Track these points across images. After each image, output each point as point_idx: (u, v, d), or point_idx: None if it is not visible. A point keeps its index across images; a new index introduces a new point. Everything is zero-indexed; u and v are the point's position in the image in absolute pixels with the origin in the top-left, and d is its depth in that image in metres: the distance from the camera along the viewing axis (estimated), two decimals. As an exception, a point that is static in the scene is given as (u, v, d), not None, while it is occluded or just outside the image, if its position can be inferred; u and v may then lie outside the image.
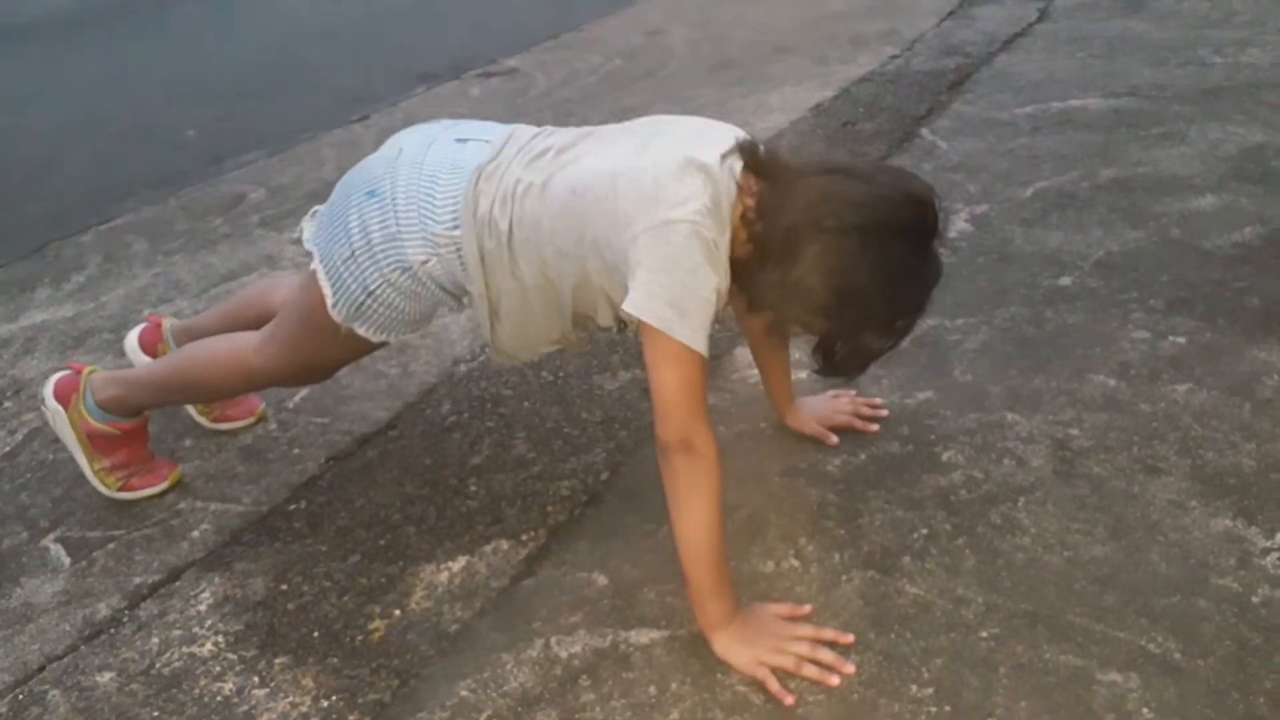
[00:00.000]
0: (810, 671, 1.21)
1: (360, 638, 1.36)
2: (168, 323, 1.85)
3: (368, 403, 1.89)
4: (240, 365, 1.55)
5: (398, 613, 1.39)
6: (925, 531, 1.42)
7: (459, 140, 1.42)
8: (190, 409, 1.84)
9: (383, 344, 1.49)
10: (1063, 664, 1.19)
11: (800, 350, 1.74)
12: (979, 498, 1.47)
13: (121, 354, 1.89)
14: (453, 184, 1.36)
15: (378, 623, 1.38)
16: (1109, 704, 1.14)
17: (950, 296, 1.97)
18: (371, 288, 1.39)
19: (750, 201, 1.21)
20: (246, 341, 1.57)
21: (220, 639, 1.39)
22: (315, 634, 1.38)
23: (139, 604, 1.47)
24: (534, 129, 1.43)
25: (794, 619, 1.28)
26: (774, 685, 1.20)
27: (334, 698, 1.27)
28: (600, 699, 1.22)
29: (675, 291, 1.18)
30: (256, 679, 1.31)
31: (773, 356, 1.61)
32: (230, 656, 1.35)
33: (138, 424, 1.67)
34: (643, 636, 1.30)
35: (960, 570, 1.34)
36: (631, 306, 1.20)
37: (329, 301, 1.41)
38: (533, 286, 1.35)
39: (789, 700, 1.18)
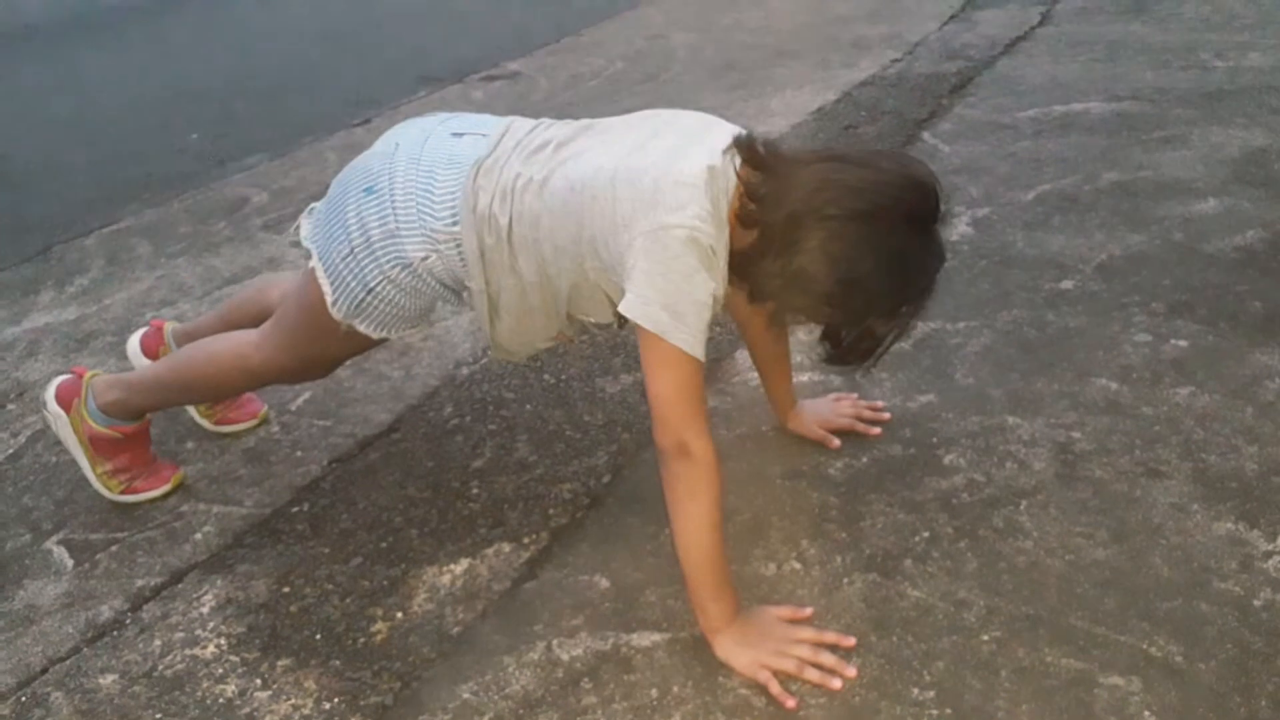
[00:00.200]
0: (812, 674, 1.21)
1: (362, 640, 1.36)
2: (169, 326, 1.85)
3: (370, 405, 1.90)
4: (240, 363, 1.55)
5: (400, 615, 1.40)
6: (927, 534, 1.42)
7: (455, 134, 1.41)
8: (192, 412, 1.85)
9: (382, 341, 1.49)
10: (1064, 667, 1.19)
11: (801, 353, 1.75)
12: (981, 501, 1.47)
13: (125, 357, 1.89)
14: (451, 179, 1.36)
15: (380, 625, 1.38)
16: (1111, 707, 1.14)
17: (952, 299, 1.97)
18: (371, 285, 1.39)
19: (749, 196, 1.21)
20: (246, 339, 1.57)
21: (223, 641, 1.39)
22: (317, 636, 1.38)
23: (141, 606, 1.47)
24: (531, 121, 1.43)
25: (795, 622, 1.28)
26: (775, 688, 1.20)
27: (336, 700, 1.27)
28: (602, 701, 1.22)
29: (671, 296, 1.18)
30: (259, 681, 1.32)
31: (773, 360, 1.61)
32: (232, 659, 1.36)
33: (140, 427, 1.68)
34: (644, 639, 1.30)
35: (962, 573, 1.35)
36: (627, 309, 1.20)
37: (329, 299, 1.41)
38: (532, 283, 1.35)
39: (790, 703, 1.18)
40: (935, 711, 1.16)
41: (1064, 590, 1.30)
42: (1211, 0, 3.80)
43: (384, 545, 1.53)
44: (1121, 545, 1.36)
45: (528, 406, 1.83)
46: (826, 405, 1.66)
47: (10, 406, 2.04)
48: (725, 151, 1.23)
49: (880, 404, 1.68)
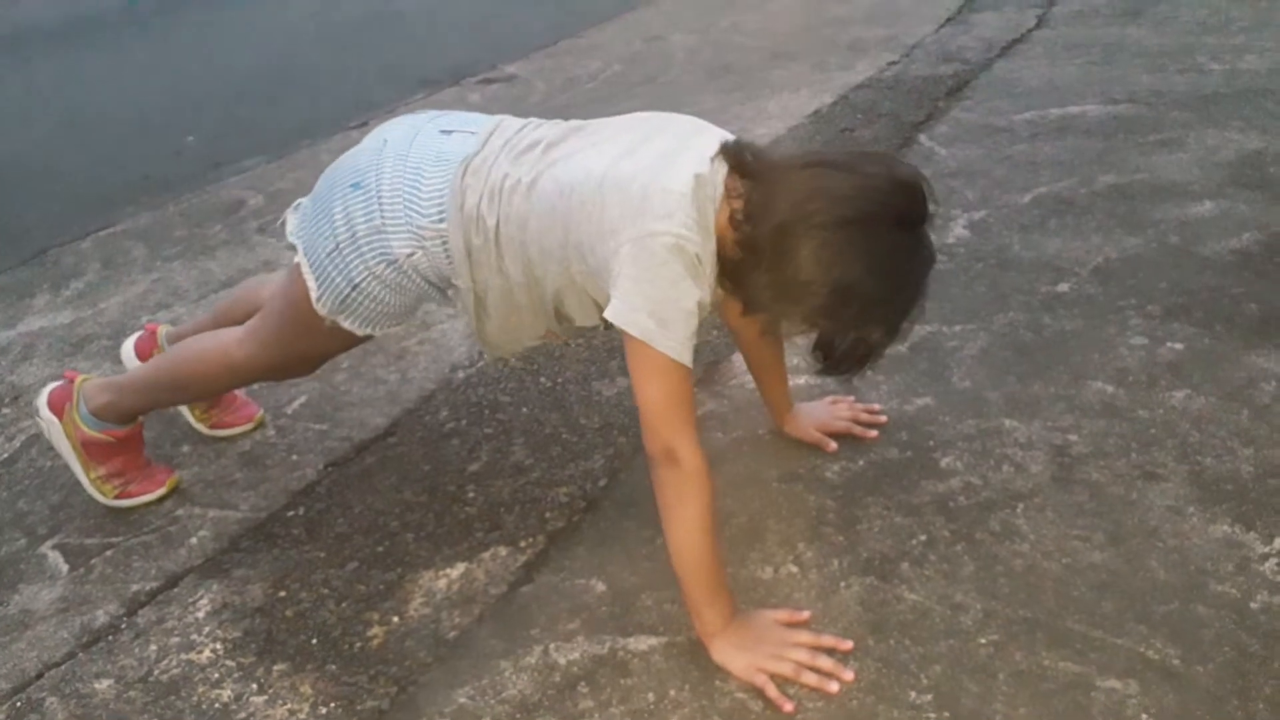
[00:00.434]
0: (809, 678, 1.21)
1: (359, 644, 1.36)
2: (163, 330, 1.85)
3: (366, 409, 1.89)
4: (225, 359, 1.55)
5: (396, 619, 1.39)
6: (924, 538, 1.42)
7: (444, 131, 1.41)
8: (188, 416, 1.84)
9: (367, 337, 1.48)
10: (1062, 671, 1.19)
11: (797, 356, 1.75)
12: (977, 504, 1.47)
13: (120, 361, 1.89)
14: (438, 176, 1.35)
15: (376, 629, 1.38)
16: (1108, 711, 1.14)
17: (948, 303, 1.97)
18: (356, 280, 1.38)
19: (737, 204, 1.21)
20: (231, 336, 1.56)
21: (218, 646, 1.38)
22: (313, 641, 1.37)
23: (137, 611, 1.47)
24: (520, 120, 1.42)
25: (792, 625, 1.28)
26: (773, 692, 1.19)
27: (332, 705, 1.27)
28: (599, 706, 1.22)
29: (657, 303, 1.18)
30: (254, 686, 1.31)
31: (769, 364, 1.61)
32: (228, 663, 1.35)
33: (132, 430, 1.67)
34: (641, 643, 1.30)
35: (959, 576, 1.34)
36: (614, 316, 1.20)
37: (313, 295, 1.41)
38: (519, 283, 1.35)
39: (788, 707, 1.18)
40: (933, 715, 1.16)
41: (1061, 593, 1.30)
42: (1208, 3, 3.81)
43: (380, 549, 1.53)
44: (1118, 548, 1.36)
45: (524, 410, 1.83)
46: (823, 408, 1.66)
47: (5, 411, 2.03)
48: (713, 159, 1.23)
49: (877, 407, 1.68)
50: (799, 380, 1.76)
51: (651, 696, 1.22)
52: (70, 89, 4.82)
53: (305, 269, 1.41)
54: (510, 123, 1.41)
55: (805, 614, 1.30)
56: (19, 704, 1.33)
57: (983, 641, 1.24)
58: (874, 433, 1.63)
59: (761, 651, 1.23)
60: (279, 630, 1.40)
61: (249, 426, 1.85)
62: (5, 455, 1.88)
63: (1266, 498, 1.42)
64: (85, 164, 3.67)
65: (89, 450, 1.64)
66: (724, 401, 1.78)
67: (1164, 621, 1.24)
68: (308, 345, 1.51)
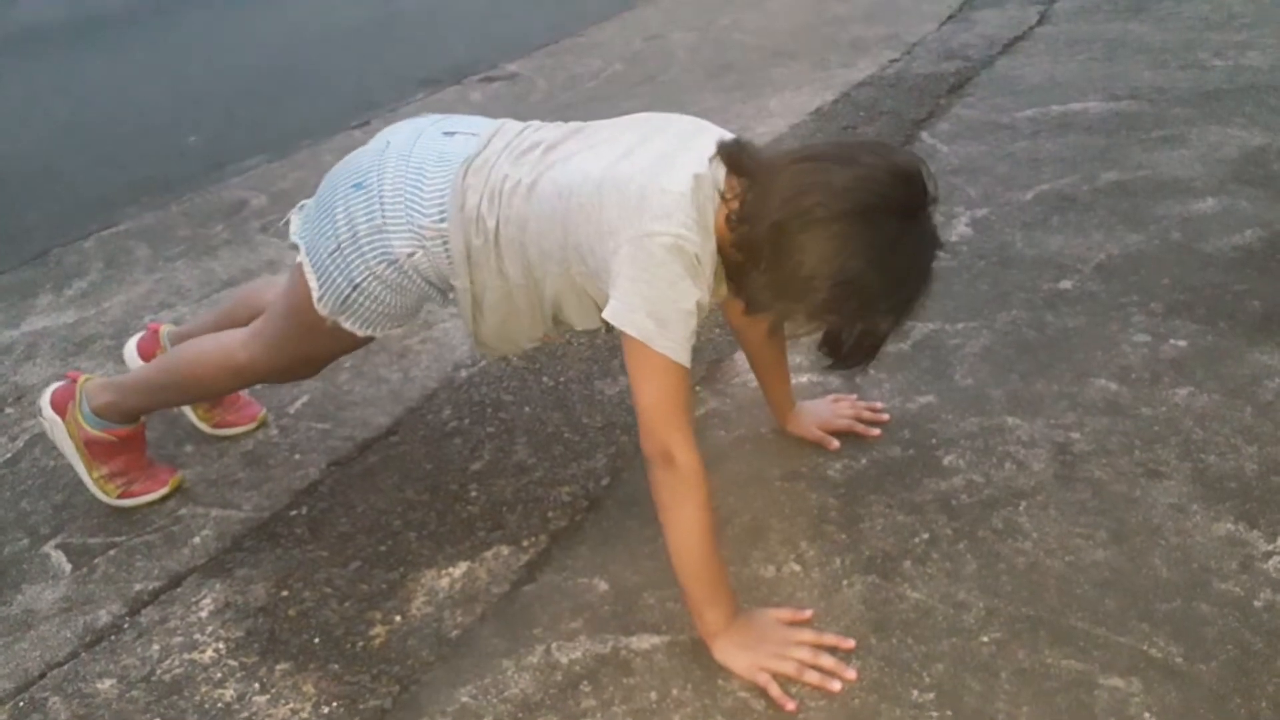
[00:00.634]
0: (811, 677, 1.21)
1: (361, 644, 1.36)
2: (165, 329, 1.85)
3: (369, 408, 1.89)
4: (228, 361, 1.55)
5: (398, 619, 1.39)
6: (926, 536, 1.41)
7: (447, 133, 1.41)
8: (191, 415, 1.84)
9: (368, 339, 1.48)
10: (1064, 669, 1.19)
11: (800, 355, 1.75)
12: (980, 502, 1.47)
13: (123, 360, 1.89)
14: (440, 176, 1.35)
15: (379, 629, 1.38)
16: (1111, 709, 1.14)
17: (950, 300, 1.97)
18: (357, 281, 1.38)
19: (734, 205, 1.20)
20: (234, 337, 1.56)
21: (221, 645, 1.38)
22: (316, 640, 1.37)
23: (140, 610, 1.47)
24: (521, 123, 1.42)
25: (795, 624, 1.28)
26: (775, 691, 1.19)
27: (335, 704, 1.27)
28: (601, 705, 1.22)
29: (656, 303, 1.18)
30: (257, 685, 1.31)
31: (771, 363, 1.61)
32: (231, 663, 1.35)
33: (135, 430, 1.67)
34: (644, 642, 1.30)
35: (961, 575, 1.34)
36: (612, 316, 1.20)
37: (314, 295, 1.41)
38: (518, 285, 1.35)
39: (790, 706, 1.18)
40: (935, 714, 1.16)
41: (1064, 591, 1.30)
42: (1210, -1, 3.81)
43: (383, 548, 1.53)
44: (1121, 546, 1.36)
45: (526, 409, 1.83)
46: (825, 406, 1.66)
47: (8, 410, 2.03)
48: (712, 159, 1.22)
49: (879, 405, 1.68)
50: (801, 378, 1.75)
51: (654, 695, 1.22)
52: (72, 89, 4.82)
53: (307, 269, 1.41)
54: (512, 125, 1.42)
55: (808, 613, 1.30)
56: (22, 703, 1.33)
57: (985, 640, 1.24)
58: (876, 431, 1.63)
59: (764, 650, 1.23)
60: (282, 629, 1.40)
61: (252, 426, 1.86)
62: (8, 455, 1.88)
63: (1270, 495, 1.41)
64: (88, 164, 3.67)
65: (92, 449, 1.65)
66: (726, 400, 1.77)
67: (1167, 619, 1.24)
68: (310, 347, 1.51)
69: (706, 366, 1.86)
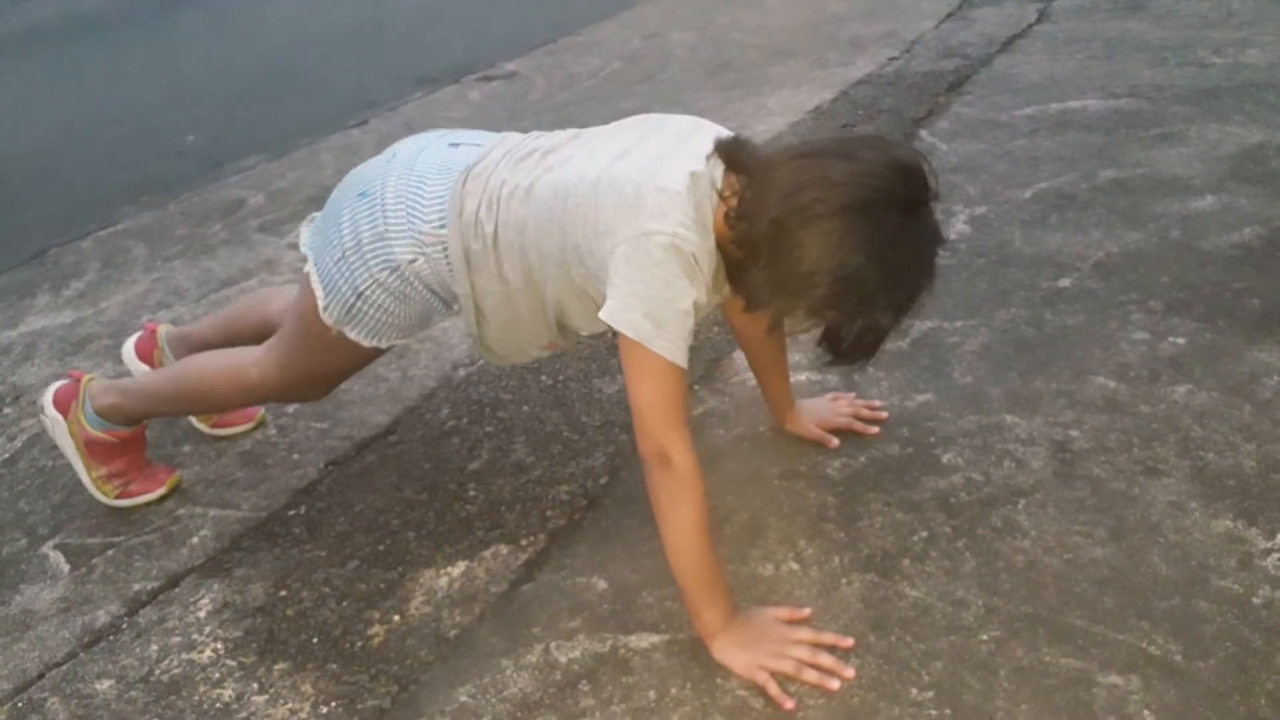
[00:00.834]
0: (810, 675, 1.21)
1: (359, 643, 1.36)
2: (163, 329, 1.85)
3: (367, 407, 1.89)
4: (238, 378, 1.56)
5: (397, 618, 1.39)
6: (925, 534, 1.41)
7: (451, 145, 1.43)
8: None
9: (376, 353, 1.48)
10: (1063, 666, 1.19)
11: (799, 353, 1.74)
12: (979, 500, 1.46)
13: (121, 360, 1.89)
14: (441, 184, 1.36)
15: (377, 628, 1.38)
16: (1110, 706, 1.14)
17: (949, 298, 1.97)
18: (361, 288, 1.39)
19: (733, 201, 1.20)
20: (247, 356, 1.57)
21: (219, 645, 1.38)
22: (314, 640, 1.37)
23: (138, 611, 1.47)
24: (524, 135, 1.43)
25: (793, 622, 1.28)
26: (774, 689, 1.19)
27: (333, 704, 1.27)
28: (600, 704, 1.22)
29: (652, 303, 1.17)
30: (255, 685, 1.31)
31: (770, 361, 1.61)
32: (229, 663, 1.35)
33: (135, 432, 1.67)
34: (642, 641, 1.30)
35: (960, 573, 1.34)
36: (608, 316, 1.19)
37: (320, 304, 1.41)
38: (517, 289, 1.35)
39: (789, 704, 1.18)
40: (934, 712, 1.15)
41: (1062, 589, 1.30)
42: (1208, -3, 3.80)
43: (381, 548, 1.53)
44: (1120, 544, 1.36)
45: (525, 408, 1.83)
46: (824, 405, 1.66)
47: (6, 410, 2.03)
48: (709, 156, 1.22)
49: (878, 403, 1.68)
50: (800, 377, 1.75)
51: (653, 694, 1.22)
52: (71, 88, 4.82)
53: (313, 278, 1.42)
54: (515, 136, 1.43)
55: (806, 611, 1.30)
56: (20, 704, 1.33)
57: (984, 638, 1.24)
58: (875, 429, 1.63)
59: (762, 649, 1.23)
60: (280, 629, 1.40)
61: (250, 426, 1.86)
62: (7, 455, 1.88)
63: (1268, 493, 1.41)
64: (85, 163, 3.67)
65: (92, 450, 1.65)
66: (725, 399, 1.77)
67: (1165, 617, 1.24)
68: (317, 361, 1.51)
69: (705, 365, 1.86)
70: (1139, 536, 1.37)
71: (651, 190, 1.19)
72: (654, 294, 1.18)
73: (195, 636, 1.40)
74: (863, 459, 1.58)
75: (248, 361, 1.56)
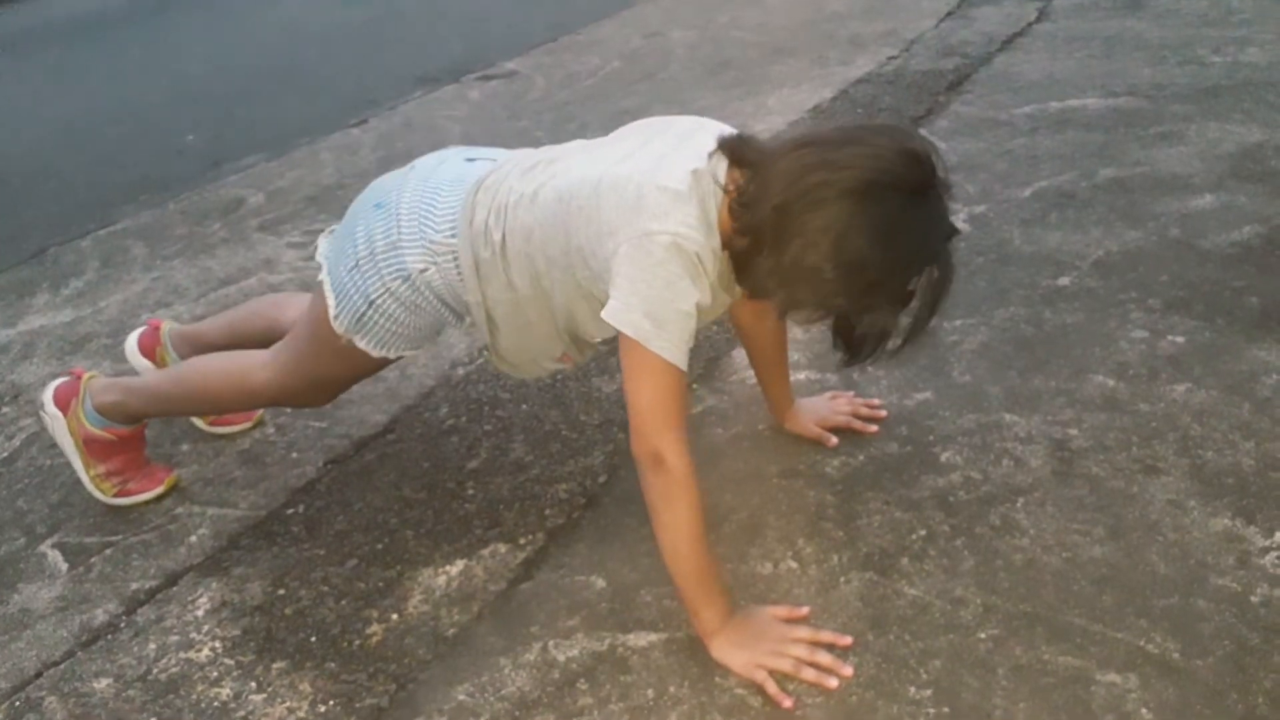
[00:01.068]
0: (808, 674, 1.20)
1: (358, 642, 1.36)
2: (166, 326, 1.85)
3: (366, 406, 1.89)
4: (244, 382, 1.57)
5: (395, 617, 1.39)
6: (924, 532, 1.41)
7: (468, 160, 1.45)
8: (188, 413, 1.84)
9: (383, 363, 1.49)
10: (1061, 665, 1.19)
11: (798, 352, 1.74)
12: (977, 498, 1.46)
13: (120, 359, 1.89)
14: (453, 195, 1.38)
15: (375, 627, 1.38)
16: (1108, 705, 1.13)
17: (948, 297, 1.96)
18: (372, 297, 1.39)
19: (736, 195, 1.20)
20: (253, 359, 1.57)
21: (217, 644, 1.38)
22: (313, 639, 1.37)
23: (136, 610, 1.47)
24: (536, 149, 1.44)
25: (792, 621, 1.28)
26: (772, 688, 1.19)
27: (331, 703, 1.27)
28: (598, 702, 1.22)
29: (653, 303, 1.17)
30: (253, 684, 1.31)
31: (770, 360, 1.61)
32: (227, 662, 1.35)
33: (135, 431, 1.67)
34: (641, 639, 1.30)
35: (959, 571, 1.34)
36: (610, 316, 1.19)
37: (331, 312, 1.42)
38: (526, 296, 1.35)
39: (787, 703, 1.18)
40: (932, 710, 1.15)
41: (1061, 587, 1.30)
42: (1208, -5, 3.80)
43: (379, 547, 1.53)
44: (1118, 542, 1.36)
45: (523, 407, 1.83)
46: (823, 403, 1.66)
47: (5, 409, 2.03)
48: (711, 154, 1.22)
49: (877, 402, 1.68)
50: (799, 376, 1.75)
51: (651, 693, 1.22)
52: (70, 88, 4.82)
53: (326, 286, 1.43)
54: (528, 150, 1.44)
55: (804, 610, 1.30)
56: (18, 703, 1.33)
57: (982, 636, 1.24)
58: (874, 428, 1.63)
59: (761, 648, 1.23)
60: (278, 628, 1.40)
61: (248, 425, 1.85)
62: (5, 454, 1.88)
63: (1267, 491, 1.41)
64: (85, 163, 3.67)
65: (90, 447, 1.65)
66: (724, 397, 1.77)
67: (1164, 615, 1.24)
68: (324, 368, 1.51)
69: (704, 364, 1.86)
70: (1137, 535, 1.36)
71: (653, 190, 1.19)
72: (655, 294, 1.17)
73: (193, 635, 1.40)
74: (861, 457, 1.58)
75: (253, 365, 1.57)
